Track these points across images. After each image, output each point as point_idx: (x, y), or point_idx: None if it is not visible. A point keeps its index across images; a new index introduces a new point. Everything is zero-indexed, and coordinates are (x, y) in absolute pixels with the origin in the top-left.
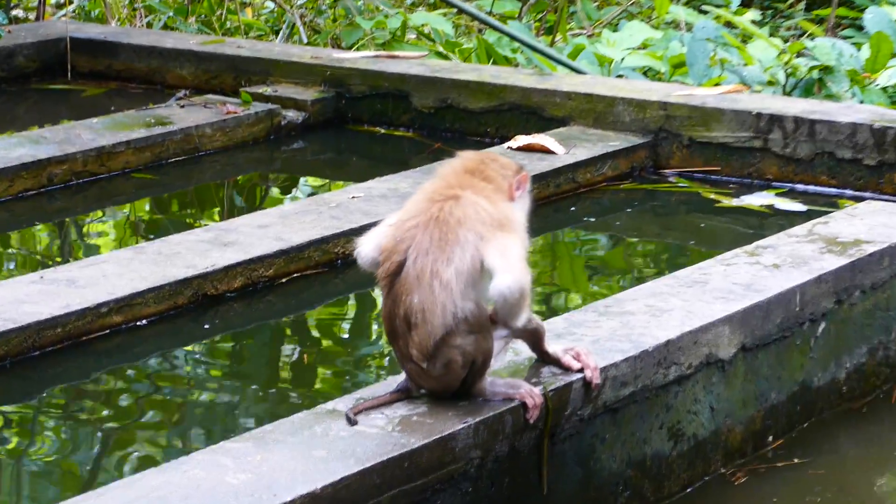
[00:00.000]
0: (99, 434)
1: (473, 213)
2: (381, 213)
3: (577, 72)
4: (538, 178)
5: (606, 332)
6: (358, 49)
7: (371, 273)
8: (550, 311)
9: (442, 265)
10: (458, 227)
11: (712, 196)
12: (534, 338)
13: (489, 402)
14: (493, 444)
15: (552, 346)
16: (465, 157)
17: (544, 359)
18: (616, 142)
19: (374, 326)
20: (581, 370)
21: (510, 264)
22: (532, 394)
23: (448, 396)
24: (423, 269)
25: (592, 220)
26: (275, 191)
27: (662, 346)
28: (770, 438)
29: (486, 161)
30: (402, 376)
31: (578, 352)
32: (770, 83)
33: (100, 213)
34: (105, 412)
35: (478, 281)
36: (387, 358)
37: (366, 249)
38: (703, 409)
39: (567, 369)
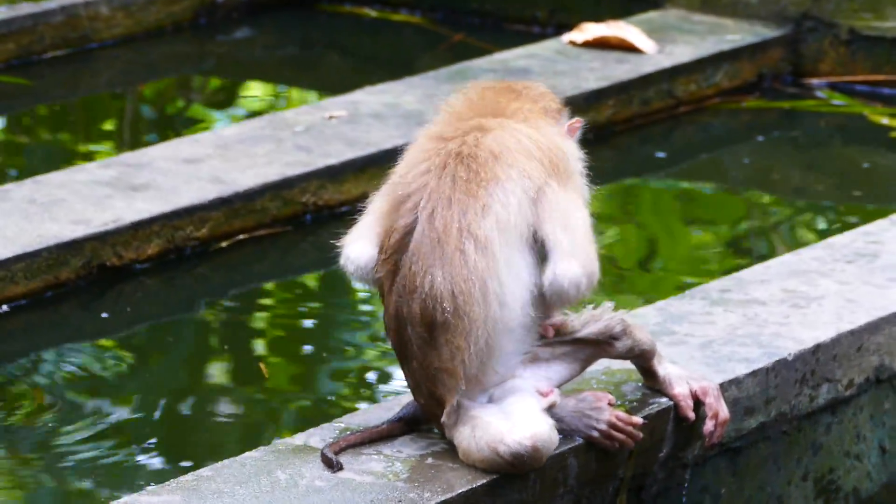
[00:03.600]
0: None
1: (515, 142)
2: (375, 141)
3: None
4: (615, 91)
5: (722, 332)
6: None
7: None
8: (634, 297)
9: (475, 216)
10: (493, 163)
11: (884, 120)
12: (640, 360)
13: None
14: (548, 502)
15: (665, 367)
16: (487, 84)
17: (648, 381)
18: (736, 35)
19: (365, 313)
20: (689, 418)
21: (576, 244)
22: (618, 423)
23: None
24: (447, 227)
25: (697, 156)
26: (208, 106)
27: (809, 355)
28: None
29: (520, 84)
30: (407, 398)
31: (705, 389)
32: None
33: None
34: None
35: (531, 247)
36: (385, 363)
37: (356, 250)
38: (869, 450)
39: (674, 402)
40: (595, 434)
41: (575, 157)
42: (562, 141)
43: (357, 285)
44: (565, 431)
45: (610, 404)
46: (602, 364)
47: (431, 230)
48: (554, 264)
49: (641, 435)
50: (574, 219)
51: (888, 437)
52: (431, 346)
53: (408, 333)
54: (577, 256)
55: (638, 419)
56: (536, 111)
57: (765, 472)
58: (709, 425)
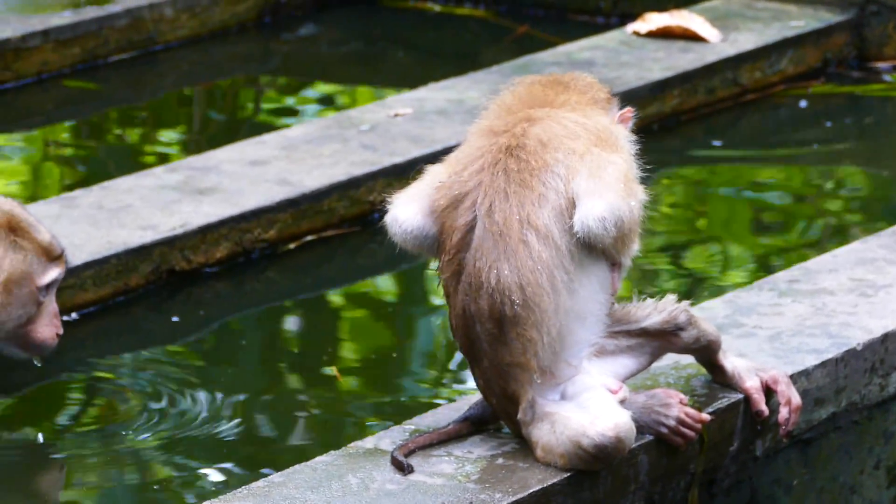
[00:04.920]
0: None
1: (562, 129)
2: (441, 138)
3: None
4: (680, 81)
5: (791, 323)
6: None
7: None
8: (701, 289)
9: (533, 207)
10: (542, 151)
11: None
12: (705, 352)
13: None
14: (619, 499)
15: (731, 360)
16: (534, 78)
17: (716, 376)
18: (800, 20)
19: (435, 314)
20: (763, 412)
21: (601, 185)
22: (687, 420)
23: None
24: (507, 220)
25: (764, 144)
26: (273, 105)
27: (878, 344)
28: None
29: (568, 76)
30: (476, 397)
31: (775, 378)
32: None
33: (2, 142)
34: (31, 438)
35: None
36: (459, 364)
37: (405, 213)
38: None
39: (746, 397)
40: (664, 430)
41: (624, 138)
42: (611, 125)
43: (408, 251)
44: (639, 425)
45: (681, 402)
46: (671, 359)
47: (492, 225)
48: (579, 208)
49: (699, 426)
50: (605, 166)
51: None
52: (502, 341)
53: (476, 331)
54: (601, 195)
55: (706, 416)
56: (585, 101)
57: (836, 463)
58: (783, 413)
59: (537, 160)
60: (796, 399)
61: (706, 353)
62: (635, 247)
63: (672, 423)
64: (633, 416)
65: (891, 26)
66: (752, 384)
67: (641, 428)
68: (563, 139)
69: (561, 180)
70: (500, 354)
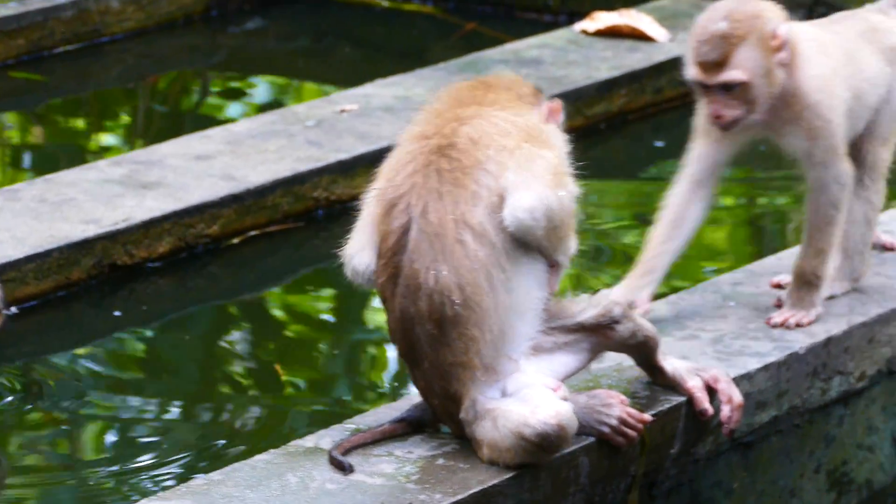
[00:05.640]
0: None
1: (492, 127)
2: (387, 135)
3: None
4: (628, 80)
5: (734, 326)
6: None
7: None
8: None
9: (467, 206)
10: (474, 150)
11: None
12: (642, 350)
13: None
14: (559, 501)
15: (670, 361)
16: (461, 83)
17: (656, 378)
18: None
19: (379, 312)
20: (706, 410)
21: (530, 177)
22: (629, 420)
23: None
24: (442, 220)
25: None
26: (219, 99)
27: (820, 348)
28: None
29: (491, 77)
30: (417, 398)
31: (716, 377)
32: None
33: None
34: None
35: None
36: (398, 362)
37: (361, 262)
38: (882, 442)
39: (688, 397)
40: (606, 430)
41: (555, 134)
42: (540, 122)
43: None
44: (581, 427)
45: (622, 403)
46: (613, 360)
47: (427, 225)
48: (507, 201)
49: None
50: (534, 160)
51: None
52: (443, 342)
53: (416, 333)
54: (528, 186)
55: (648, 416)
56: (512, 99)
57: (777, 466)
58: (725, 411)
59: (469, 158)
60: (738, 397)
61: (644, 350)
62: (571, 244)
63: (614, 422)
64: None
65: None
66: (693, 384)
67: (583, 428)
68: (493, 136)
69: (492, 177)
70: (441, 355)
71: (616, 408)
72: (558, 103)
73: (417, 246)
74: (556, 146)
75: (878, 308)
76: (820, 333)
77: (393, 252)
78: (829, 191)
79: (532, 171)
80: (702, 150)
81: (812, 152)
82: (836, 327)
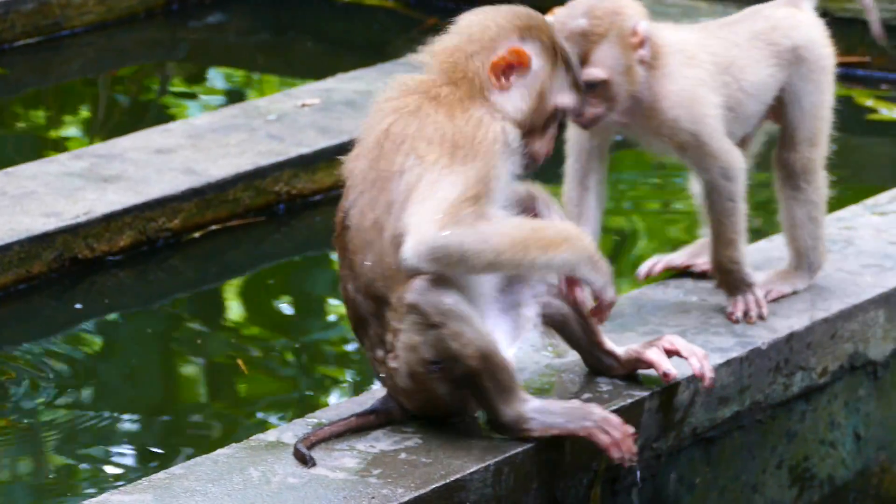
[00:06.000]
0: None
1: (417, 128)
2: (348, 129)
3: None
4: None
5: (696, 321)
6: None
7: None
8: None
9: (382, 213)
10: (396, 154)
11: (869, 102)
12: (586, 331)
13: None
14: (521, 496)
15: (619, 346)
16: (448, 36)
17: (598, 364)
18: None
19: (341, 305)
20: (670, 372)
21: (428, 214)
22: (608, 423)
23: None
24: (364, 216)
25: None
26: (180, 93)
27: (783, 343)
28: None
29: (451, 63)
30: (381, 392)
31: (670, 339)
32: None
33: None
34: None
35: None
36: (361, 356)
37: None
38: (843, 437)
39: (649, 366)
40: (588, 424)
41: (490, 140)
42: (477, 122)
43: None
44: (554, 430)
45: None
46: (575, 357)
47: (354, 216)
48: (403, 243)
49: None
50: (441, 187)
51: (862, 423)
52: (381, 318)
53: (360, 309)
54: (412, 231)
55: (630, 428)
56: (463, 94)
57: (739, 461)
58: (695, 364)
59: (390, 163)
60: (699, 350)
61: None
62: (501, 264)
63: (588, 422)
64: (556, 417)
65: None
66: (650, 352)
67: (565, 426)
68: (417, 141)
69: (402, 195)
70: (380, 331)
71: (593, 414)
72: (519, 50)
73: (350, 231)
74: (484, 155)
75: (840, 304)
76: (782, 329)
77: (339, 230)
78: (720, 188)
79: (432, 204)
80: (579, 142)
81: (686, 160)
82: (798, 323)
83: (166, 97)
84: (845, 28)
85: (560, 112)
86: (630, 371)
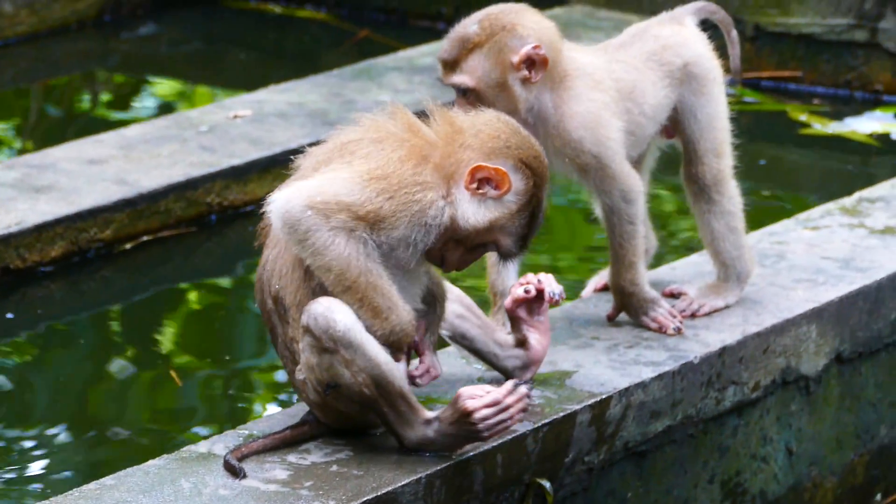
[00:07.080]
0: None
1: (369, 151)
2: (280, 141)
3: None
4: None
5: (628, 335)
6: None
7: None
8: None
9: None
10: (337, 159)
11: (802, 117)
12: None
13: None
14: None
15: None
16: (463, 116)
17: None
18: None
19: None
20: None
21: (309, 188)
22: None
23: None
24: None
25: None
26: (112, 104)
27: (715, 357)
28: (878, 497)
29: (477, 137)
30: None
31: (527, 279)
32: None
33: None
34: None
35: None
36: None
37: None
38: (776, 452)
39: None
40: (482, 428)
41: (416, 198)
42: (421, 184)
43: None
44: (459, 446)
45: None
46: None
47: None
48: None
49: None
50: (334, 179)
51: (794, 439)
52: (285, 319)
53: (268, 307)
54: (289, 189)
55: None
56: (434, 160)
57: (671, 476)
58: (547, 292)
59: (327, 165)
60: (543, 274)
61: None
62: (322, 272)
63: (480, 426)
64: (445, 440)
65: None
66: (517, 290)
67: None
68: (359, 158)
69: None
70: (283, 335)
71: (475, 413)
72: (503, 173)
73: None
74: (399, 204)
75: (773, 318)
76: (714, 343)
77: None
78: (620, 211)
79: (321, 187)
80: None
81: (586, 183)
82: (730, 337)
83: (98, 108)
84: (777, 43)
85: (492, 246)
86: (522, 336)
